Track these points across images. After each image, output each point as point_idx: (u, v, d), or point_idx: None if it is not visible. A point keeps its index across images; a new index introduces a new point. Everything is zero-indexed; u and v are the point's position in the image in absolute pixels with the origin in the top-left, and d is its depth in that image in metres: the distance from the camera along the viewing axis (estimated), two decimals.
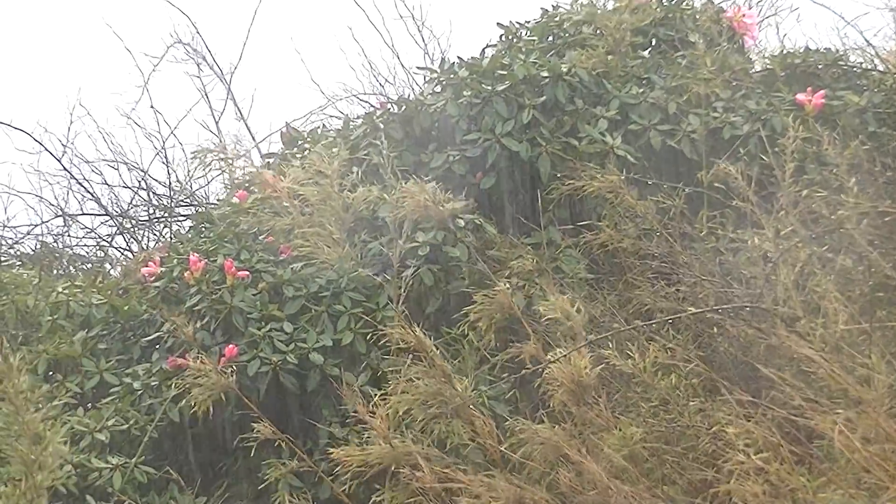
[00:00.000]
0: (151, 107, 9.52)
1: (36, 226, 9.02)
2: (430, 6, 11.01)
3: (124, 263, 8.24)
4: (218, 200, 7.77)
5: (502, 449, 4.90)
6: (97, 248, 9.04)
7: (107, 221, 9.03)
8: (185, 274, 6.02)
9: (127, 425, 5.75)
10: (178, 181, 9.23)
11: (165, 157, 9.29)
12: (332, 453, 4.97)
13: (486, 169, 6.13)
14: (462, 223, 5.77)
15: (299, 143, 7.01)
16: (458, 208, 5.77)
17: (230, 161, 7.49)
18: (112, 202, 9.10)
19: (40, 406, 5.95)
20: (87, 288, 6.75)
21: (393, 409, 4.90)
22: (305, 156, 6.61)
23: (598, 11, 7.04)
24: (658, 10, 6.95)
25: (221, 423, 5.53)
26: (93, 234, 9.09)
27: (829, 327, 4.36)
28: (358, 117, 6.99)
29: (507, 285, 5.44)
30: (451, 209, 5.74)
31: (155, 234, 8.85)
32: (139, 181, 9.18)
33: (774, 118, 6.04)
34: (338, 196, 6.05)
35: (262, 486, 5.39)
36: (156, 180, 9.22)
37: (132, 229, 8.94)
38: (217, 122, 9.27)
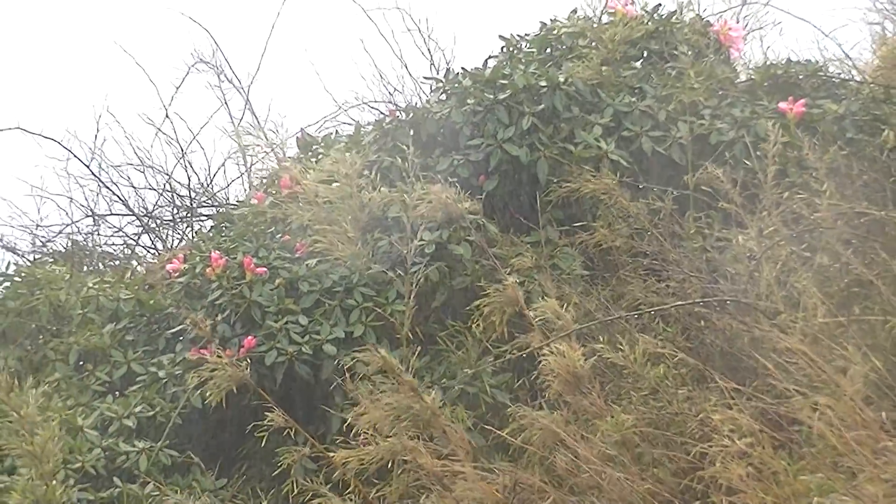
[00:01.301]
0: (170, 115, 9.50)
1: (67, 225, 9.03)
2: (436, 20, 10.99)
3: (150, 261, 8.24)
4: (237, 202, 7.76)
5: (503, 434, 4.90)
6: (124, 246, 9.06)
7: (133, 221, 9.05)
8: (207, 270, 6.03)
9: (152, 412, 5.77)
10: (199, 184, 9.24)
11: (188, 162, 9.29)
12: (333, 450, 4.96)
13: (488, 172, 6.14)
14: (468, 222, 5.78)
15: (314, 147, 7.02)
16: (471, 207, 5.78)
17: (248, 162, 7.52)
18: (138, 203, 9.11)
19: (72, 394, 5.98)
20: (116, 283, 6.77)
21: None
22: (319, 160, 6.62)
23: (593, 25, 7.04)
24: (649, 23, 6.94)
25: (240, 410, 5.53)
26: (120, 234, 9.11)
27: (808, 321, 4.36)
28: (368, 124, 6.99)
29: (511, 281, 5.45)
30: (468, 207, 5.76)
31: (178, 234, 8.86)
32: (163, 184, 9.19)
33: (758, 125, 6.03)
34: (356, 196, 6.05)
35: (278, 469, 5.39)
36: (179, 183, 9.22)
37: (157, 229, 8.95)
38: (236, 128, 9.25)
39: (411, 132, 6.48)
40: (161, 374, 5.95)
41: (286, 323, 5.73)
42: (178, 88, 9.10)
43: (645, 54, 6.92)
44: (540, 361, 4.85)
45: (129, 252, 8.94)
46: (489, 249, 5.80)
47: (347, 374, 5.11)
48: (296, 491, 5.25)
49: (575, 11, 7.21)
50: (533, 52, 6.91)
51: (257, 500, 5.35)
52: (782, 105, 6.08)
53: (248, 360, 5.53)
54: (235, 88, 9.35)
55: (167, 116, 9.49)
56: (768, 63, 6.85)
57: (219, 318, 5.83)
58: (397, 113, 6.76)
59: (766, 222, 5.01)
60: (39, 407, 5.14)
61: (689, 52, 6.65)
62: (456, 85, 6.45)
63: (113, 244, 9.07)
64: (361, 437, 4.83)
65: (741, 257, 4.96)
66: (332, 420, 5.45)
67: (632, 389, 4.72)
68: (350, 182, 6.07)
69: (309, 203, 6.18)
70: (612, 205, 5.79)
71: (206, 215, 8.80)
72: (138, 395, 5.86)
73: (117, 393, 6.01)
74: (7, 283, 6.79)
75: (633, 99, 6.39)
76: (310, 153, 6.98)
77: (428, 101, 6.89)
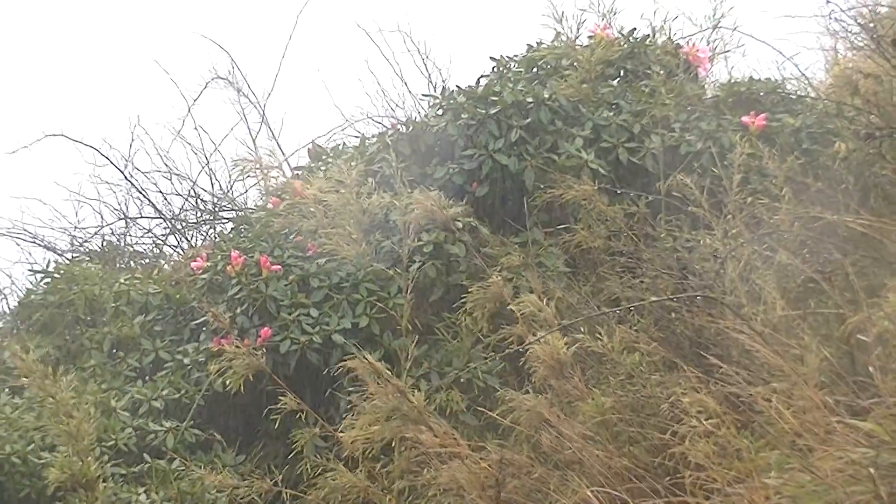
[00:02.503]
0: (196, 128, 9.47)
1: (101, 227, 9.00)
2: (433, 42, 10.98)
3: (176, 259, 8.23)
4: (255, 206, 7.75)
5: (494, 415, 4.90)
6: (153, 246, 9.02)
7: (161, 224, 9.01)
8: (227, 268, 6.02)
9: (178, 395, 5.77)
10: (221, 190, 9.22)
11: (211, 170, 9.27)
12: (342, 431, 4.96)
13: (480, 179, 6.13)
14: (460, 225, 5.78)
15: (323, 157, 7.01)
16: (458, 212, 5.79)
17: (266, 170, 7.49)
18: (166, 207, 9.08)
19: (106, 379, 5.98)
20: (145, 279, 6.76)
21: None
22: (328, 168, 6.61)
23: (575, 47, 7.03)
24: (625, 45, 6.93)
25: (257, 394, 5.53)
26: (149, 235, 9.07)
27: (768, 314, 4.37)
28: (372, 136, 6.98)
29: (499, 277, 5.45)
30: (452, 213, 5.76)
31: (202, 235, 8.82)
32: (189, 190, 9.16)
33: (723, 137, 6.03)
34: (356, 202, 6.05)
35: (292, 447, 5.39)
36: (203, 189, 9.19)
37: (182, 230, 8.92)
38: (254, 140, 9.24)
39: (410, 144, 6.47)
40: (186, 361, 5.95)
41: (298, 315, 5.72)
42: (194, 101, 9.06)
43: (621, 73, 6.92)
44: (527, 350, 4.86)
45: (158, 251, 8.92)
46: (481, 249, 5.81)
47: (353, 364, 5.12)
48: (308, 467, 5.27)
49: (558, 35, 7.20)
50: (520, 72, 6.91)
51: (273, 475, 5.34)
52: (745, 119, 6.09)
53: (264, 349, 5.54)
54: (252, 104, 9.32)
55: (197, 127, 9.48)
56: (732, 81, 6.84)
57: (238, 310, 5.83)
58: (398, 126, 6.75)
59: (730, 225, 5.02)
60: (76, 390, 5.15)
61: (661, 72, 6.64)
62: (451, 101, 6.44)
63: (143, 244, 9.05)
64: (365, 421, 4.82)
65: (708, 256, 4.96)
66: (341, 403, 5.44)
67: (610, 375, 4.72)
68: (350, 190, 6.08)
69: (318, 207, 6.18)
70: (591, 209, 5.79)
71: (226, 218, 8.77)
72: (165, 379, 5.86)
73: (147, 378, 6.01)
74: (47, 280, 6.79)
75: (611, 113, 6.39)
76: (320, 162, 6.97)
77: (426, 116, 6.88)
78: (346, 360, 4.97)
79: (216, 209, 8.96)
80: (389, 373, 4.81)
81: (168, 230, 9.00)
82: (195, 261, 6.39)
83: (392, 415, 4.72)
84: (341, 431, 4.94)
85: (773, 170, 5.21)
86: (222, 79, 9.04)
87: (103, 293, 6.64)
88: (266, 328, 5.67)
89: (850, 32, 6.40)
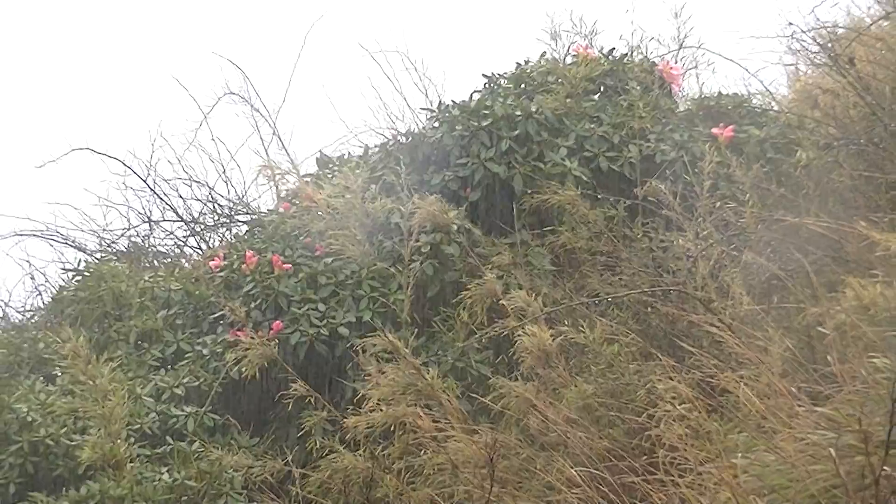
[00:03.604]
0: (213, 138, 9.43)
1: (127, 230, 8.96)
2: (429, 61, 11.00)
3: (195, 258, 8.21)
4: (268, 210, 7.74)
5: (486, 401, 4.89)
6: (174, 246, 8.99)
7: (182, 226, 8.99)
8: (242, 266, 6.03)
9: (198, 382, 5.75)
10: (236, 195, 9.19)
11: (227, 177, 9.25)
12: (346, 416, 4.95)
13: (473, 185, 6.13)
14: (455, 227, 5.78)
15: (330, 166, 6.99)
16: (454, 216, 5.78)
17: (282, 175, 7.48)
18: (186, 212, 9.05)
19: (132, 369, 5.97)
20: (167, 277, 6.74)
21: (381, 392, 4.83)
22: (335, 175, 6.60)
23: (559, 65, 7.03)
24: (605, 63, 6.93)
25: (269, 382, 5.52)
26: (171, 236, 9.04)
27: (735, 308, 4.37)
28: (375, 146, 6.97)
29: (491, 275, 5.45)
30: (451, 216, 5.76)
31: (219, 236, 8.79)
32: (207, 196, 9.13)
33: (694, 147, 6.03)
34: (360, 206, 6.05)
35: (301, 430, 5.39)
36: (219, 195, 9.16)
37: (201, 232, 8.89)
38: (266, 150, 9.21)
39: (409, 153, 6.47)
40: (205, 351, 5.94)
41: (307, 310, 5.72)
42: (208, 114, 9.02)
43: (602, 89, 6.91)
44: (515, 341, 4.86)
45: (179, 251, 8.90)
46: (474, 249, 5.80)
47: (360, 352, 5.12)
48: (315, 448, 5.26)
49: (544, 54, 7.20)
50: (510, 87, 6.90)
51: (284, 455, 5.33)
52: (714, 130, 6.09)
53: (276, 341, 5.54)
54: (264, 117, 9.29)
55: (211, 139, 9.46)
56: (703, 96, 6.85)
57: (252, 305, 5.83)
58: (398, 137, 6.75)
59: (701, 227, 5.02)
60: (110, 378, 5.15)
61: (638, 87, 6.65)
62: (446, 114, 6.44)
63: (165, 245, 9.02)
64: (370, 405, 4.81)
65: (681, 255, 4.97)
66: (346, 390, 5.44)
67: (591, 364, 4.72)
68: (358, 195, 6.07)
69: (325, 211, 6.18)
70: (574, 213, 5.79)
71: (241, 221, 8.74)
72: (186, 368, 5.85)
73: (169, 367, 5.99)
74: (78, 278, 6.78)
75: (592, 125, 6.39)
76: (327, 170, 6.95)
77: (424, 128, 6.86)
78: (360, 343, 5.04)
79: (232, 213, 8.93)
80: (406, 351, 4.83)
81: (188, 232, 8.98)
82: (213, 260, 6.39)
83: (407, 389, 4.73)
84: (347, 416, 4.94)
85: (740, 177, 5.21)
86: (235, 94, 9.00)
87: (129, 290, 6.62)
88: (278, 321, 5.67)
89: (810, 51, 6.41)
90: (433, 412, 4.66)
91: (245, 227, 8.18)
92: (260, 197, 8.94)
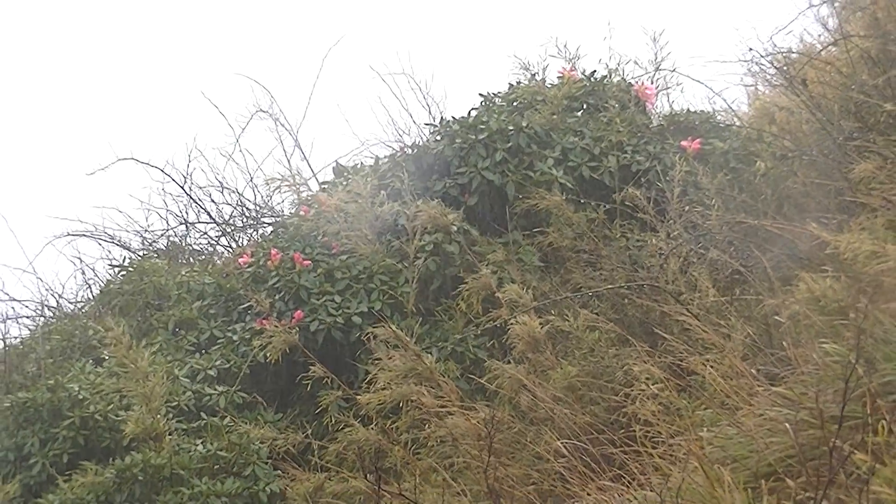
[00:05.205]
0: (242, 150, 9.42)
1: (166, 230, 8.94)
2: (432, 81, 11.01)
3: (226, 256, 8.21)
4: (290, 213, 7.73)
5: (482, 381, 4.89)
6: (208, 245, 8.99)
7: (214, 228, 8.98)
8: (268, 263, 6.02)
9: (228, 365, 5.75)
10: (262, 200, 9.18)
11: (254, 184, 9.24)
12: (359, 394, 4.95)
13: (471, 191, 6.12)
14: (455, 228, 5.77)
15: (344, 174, 6.98)
16: (454, 218, 5.78)
17: (296, 185, 7.48)
18: (218, 215, 9.04)
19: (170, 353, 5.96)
20: (202, 272, 6.75)
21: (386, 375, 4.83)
22: (349, 183, 6.60)
23: (546, 85, 7.02)
24: (587, 84, 6.92)
25: (291, 365, 5.52)
26: (205, 236, 9.03)
27: (702, 299, 4.37)
28: (384, 157, 6.96)
29: (487, 270, 5.44)
30: (451, 219, 5.75)
31: (247, 236, 8.79)
32: (236, 200, 9.12)
33: (666, 158, 6.03)
34: (371, 210, 6.05)
35: (319, 407, 5.39)
36: (248, 200, 9.15)
37: (232, 233, 8.89)
38: (289, 161, 9.20)
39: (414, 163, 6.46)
40: (234, 337, 5.93)
41: (325, 301, 5.71)
42: (243, 130, 9.00)
43: (584, 106, 6.90)
44: (508, 329, 4.86)
45: (212, 249, 8.89)
46: (472, 248, 5.79)
47: (372, 338, 5.12)
48: (332, 423, 5.26)
49: (534, 76, 7.19)
50: (503, 105, 6.88)
51: (304, 429, 5.34)
52: (683, 143, 6.08)
53: (297, 328, 5.54)
54: (287, 131, 9.28)
55: (240, 151, 9.45)
56: (673, 113, 6.83)
57: (276, 297, 5.82)
58: (405, 149, 6.74)
59: (672, 228, 5.02)
60: (150, 362, 5.16)
61: (616, 105, 6.64)
62: (447, 128, 6.42)
63: (199, 244, 9.01)
64: (380, 384, 4.80)
65: (654, 253, 4.97)
66: (359, 371, 5.43)
67: (575, 349, 4.72)
68: (369, 200, 6.07)
69: (340, 214, 6.17)
70: (560, 216, 5.78)
71: (267, 223, 8.73)
72: (218, 352, 5.84)
73: (203, 351, 5.99)
74: (123, 272, 6.80)
75: (576, 139, 6.38)
76: (342, 178, 6.94)
77: (427, 141, 6.85)
78: (371, 331, 5.04)
79: (259, 216, 8.92)
80: (409, 339, 4.83)
81: (220, 233, 8.96)
82: (242, 257, 6.39)
83: (409, 373, 4.73)
84: (360, 394, 4.94)
85: (706, 184, 5.20)
86: (265, 112, 8.97)
87: (168, 283, 6.63)
88: (299, 311, 5.66)
89: (768, 74, 6.40)
90: (435, 391, 4.65)
91: (270, 229, 8.17)
92: (283, 202, 8.90)
